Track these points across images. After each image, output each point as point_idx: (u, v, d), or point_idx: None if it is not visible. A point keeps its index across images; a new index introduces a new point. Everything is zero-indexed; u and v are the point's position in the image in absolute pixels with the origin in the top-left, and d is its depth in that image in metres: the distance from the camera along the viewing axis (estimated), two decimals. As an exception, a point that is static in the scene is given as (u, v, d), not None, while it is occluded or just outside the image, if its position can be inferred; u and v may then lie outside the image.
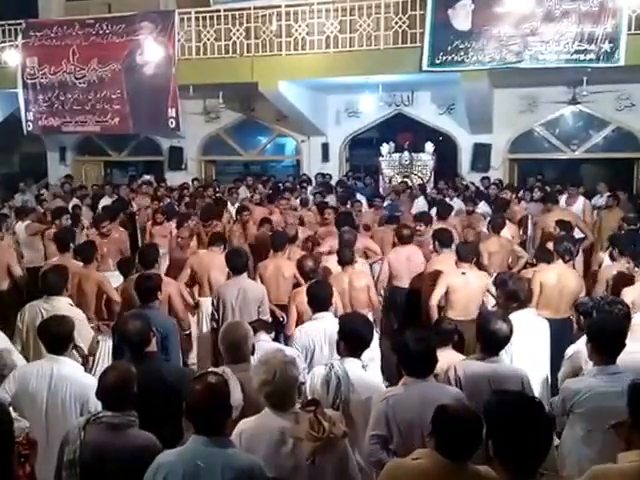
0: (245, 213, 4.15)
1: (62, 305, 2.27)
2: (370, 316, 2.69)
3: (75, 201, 5.73)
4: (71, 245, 3.02)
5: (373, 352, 2.01)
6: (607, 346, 1.66)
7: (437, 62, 4.99)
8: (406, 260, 3.18)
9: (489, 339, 1.78)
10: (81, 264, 2.81)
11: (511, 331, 1.79)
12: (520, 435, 1.08)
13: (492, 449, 1.12)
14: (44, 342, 1.80)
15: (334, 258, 2.93)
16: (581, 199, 4.66)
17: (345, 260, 2.80)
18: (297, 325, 2.50)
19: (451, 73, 5.10)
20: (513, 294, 2.18)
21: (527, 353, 1.94)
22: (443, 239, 3.04)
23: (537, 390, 1.94)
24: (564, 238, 2.91)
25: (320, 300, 2.19)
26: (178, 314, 2.58)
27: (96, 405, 1.70)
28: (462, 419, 1.22)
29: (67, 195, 6.09)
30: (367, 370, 1.82)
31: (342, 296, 2.65)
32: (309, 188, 6.04)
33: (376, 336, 2.17)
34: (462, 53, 4.92)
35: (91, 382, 1.76)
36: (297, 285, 2.96)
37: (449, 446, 1.21)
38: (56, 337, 1.78)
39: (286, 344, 2.68)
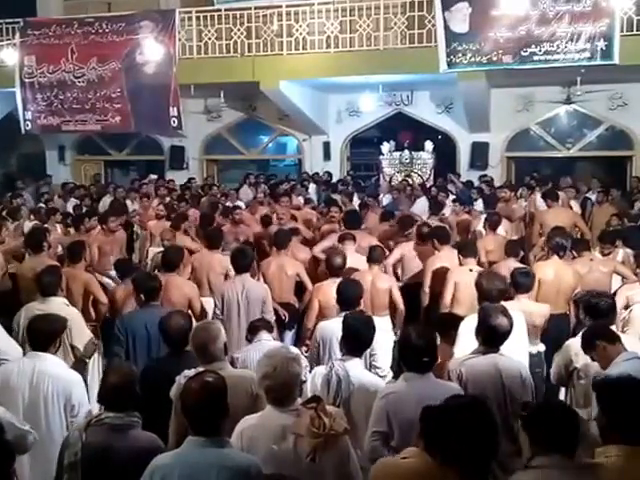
0: (236, 212, 4.12)
1: (57, 305, 2.26)
2: (388, 320, 2.70)
3: (74, 201, 5.73)
4: (44, 244, 2.96)
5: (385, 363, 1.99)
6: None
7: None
8: (417, 256, 3.18)
9: (489, 334, 1.78)
10: (56, 263, 2.71)
11: (511, 326, 1.77)
12: (463, 439, 1.09)
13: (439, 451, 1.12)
14: (30, 339, 1.81)
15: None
16: (560, 194, 4.66)
17: (372, 259, 2.78)
18: (318, 319, 2.51)
19: (449, 73, 5.19)
20: (488, 293, 2.14)
21: (504, 348, 1.84)
22: (442, 236, 3.06)
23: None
24: (556, 234, 2.89)
25: (347, 299, 2.15)
26: (197, 317, 2.55)
27: (79, 400, 1.72)
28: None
29: (66, 195, 6.06)
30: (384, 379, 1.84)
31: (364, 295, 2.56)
32: (311, 186, 6.10)
33: (392, 339, 2.15)
34: (460, 55, 5.01)
35: (74, 378, 1.76)
36: (299, 284, 3.00)
37: (435, 447, 1.18)
38: (41, 334, 1.78)
39: (298, 339, 2.74)
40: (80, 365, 2.27)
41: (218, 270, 3.01)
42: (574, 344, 1.96)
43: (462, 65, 5.07)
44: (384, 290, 2.75)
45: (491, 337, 1.80)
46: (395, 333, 2.62)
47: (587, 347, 1.78)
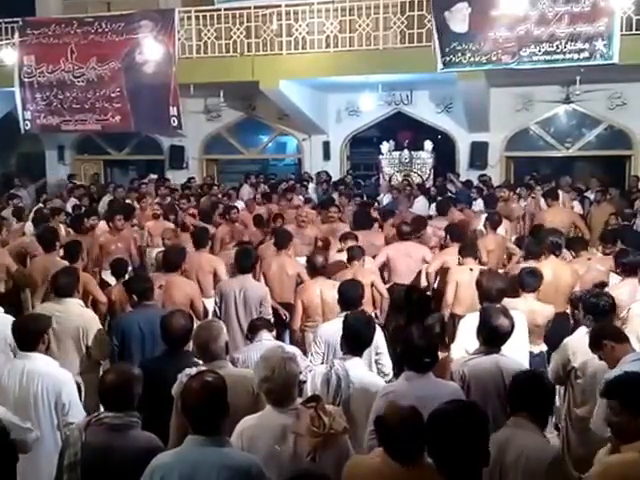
0: (233, 211, 4.14)
1: (73, 306, 2.29)
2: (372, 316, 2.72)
3: (73, 201, 5.72)
4: (57, 243, 3.01)
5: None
6: None
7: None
8: (405, 256, 3.23)
9: (491, 334, 1.79)
10: (67, 263, 2.78)
11: (512, 326, 1.80)
12: (446, 443, 1.13)
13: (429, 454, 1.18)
14: (17, 339, 1.82)
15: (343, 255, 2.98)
16: (560, 194, 4.68)
17: (351, 257, 2.85)
18: (303, 320, 2.53)
19: (448, 73, 5.20)
20: (487, 292, 2.14)
21: (505, 347, 1.85)
22: (454, 233, 3.12)
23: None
24: (549, 233, 2.93)
25: (348, 299, 2.15)
26: (199, 317, 2.56)
27: (70, 398, 1.72)
28: (401, 423, 1.24)
29: (65, 195, 6.07)
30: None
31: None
32: (310, 186, 6.11)
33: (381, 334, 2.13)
34: (459, 54, 5.02)
35: (64, 377, 1.76)
36: (301, 283, 3.00)
37: (392, 449, 1.24)
38: (28, 333, 1.79)
39: (291, 342, 2.73)
40: (95, 366, 2.27)
41: (206, 269, 3.03)
42: (572, 343, 1.96)
43: (462, 65, 5.08)
44: (367, 285, 2.76)
45: (492, 337, 1.81)
46: (380, 325, 2.59)
47: (594, 346, 1.77)
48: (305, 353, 2.26)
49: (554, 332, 2.42)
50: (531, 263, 2.84)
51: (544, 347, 2.42)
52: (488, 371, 1.77)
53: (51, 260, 2.87)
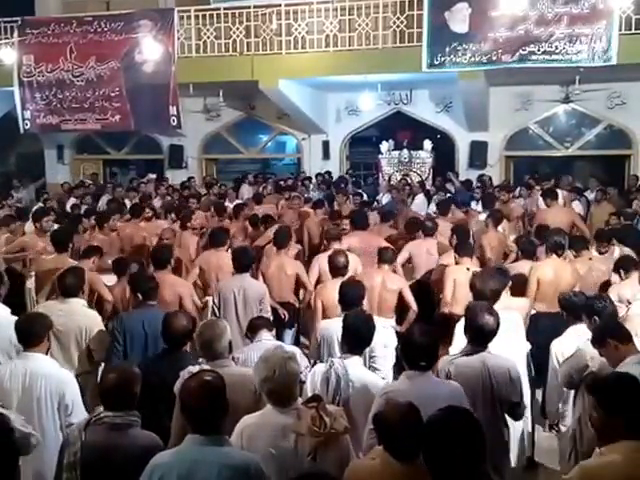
0: (247, 208, 4.20)
1: (77, 306, 2.30)
2: (393, 321, 2.68)
3: (73, 200, 5.72)
4: (69, 244, 3.03)
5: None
6: None
7: (436, 63, 5.15)
8: (426, 254, 3.22)
9: (477, 332, 1.78)
10: (76, 263, 2.79)
11: (498, 324, 1.78)
12: (439, 452, 1.13)
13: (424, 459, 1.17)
14: (20, 339, 1.82)
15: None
16: (560, 193, 4.68)
17: (383, 259, 2.76)
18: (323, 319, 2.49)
19: (448, 72, 5.21)
20: (481, 293, 2.13)
21: (500, 346, 1.84)
22: (461, 234, 3.11)
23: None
24: (553, 232, 2.92)
25: (349, 299, 2.15)
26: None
27: (73, 399, 1.72)
28: (400, 420, 1.24)
29: (64, 195, 6.06)
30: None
31: (370, 294, 2.54)
32: (311, 186, 6.13)
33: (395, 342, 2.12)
34: (460, 54, 5.05)
35: (67, 377, 1.77)
36: (298, 283, 3.01)
37: (392, 447, 1.24)
38: (28, 333, 1.79)
39: (295, 343, 2.76)
40: (94, 367, 2.27)
41: (225, 269, 2.98)
42: (588, 348, 1.89)
43: (462, 64, 5.10)
44: (394, 291, 2.74)
45: (478, 336, 1.80)
46: (398, 333, 2.59)
47: (597, 343, 1.75)
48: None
49: (550, 331, 2.38)
50: (527, 262, 2.83)
51: (528, 345, 2.36)
52: (475, 369, 1.76)
53: (61, 261, 2.86)
